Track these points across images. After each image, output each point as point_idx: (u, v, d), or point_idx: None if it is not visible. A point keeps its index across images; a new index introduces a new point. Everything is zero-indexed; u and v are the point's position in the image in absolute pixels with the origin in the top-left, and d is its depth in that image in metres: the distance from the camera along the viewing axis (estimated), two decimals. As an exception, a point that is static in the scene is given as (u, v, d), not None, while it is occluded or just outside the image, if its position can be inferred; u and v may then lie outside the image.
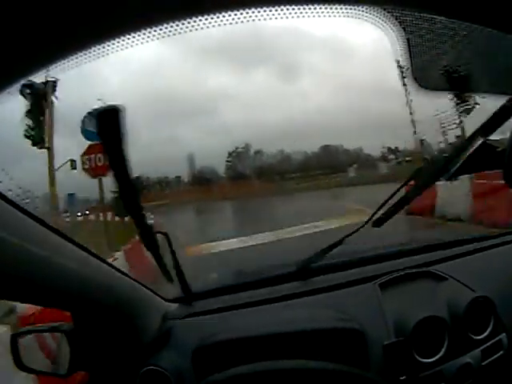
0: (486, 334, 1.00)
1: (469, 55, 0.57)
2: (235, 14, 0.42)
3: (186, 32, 0.43)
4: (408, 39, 0.48)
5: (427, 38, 0.50)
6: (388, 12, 0.44)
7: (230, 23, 0.44)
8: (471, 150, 0.80)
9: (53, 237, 0.72)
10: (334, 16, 0.44)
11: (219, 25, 0.44)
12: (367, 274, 1.18)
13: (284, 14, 0.44)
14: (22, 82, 0.44)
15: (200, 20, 0.42)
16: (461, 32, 0.50)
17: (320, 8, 0.44)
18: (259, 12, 0.43)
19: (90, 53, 0.43)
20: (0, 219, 0.59)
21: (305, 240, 6.95)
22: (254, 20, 0.44)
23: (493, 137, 0.80)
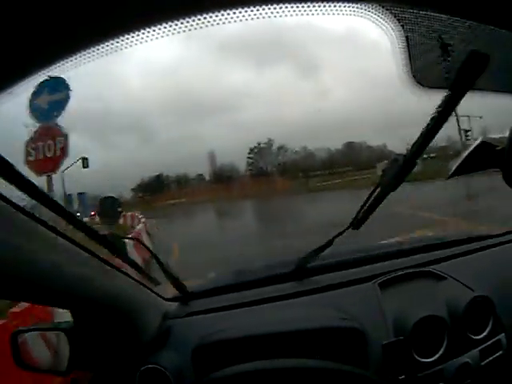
0: (485, 334, 1.01)
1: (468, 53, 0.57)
2: (234, 13, 0.42)
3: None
4: (407, 37, 0.49)
5: (426, 35, 0.50)
6: (387, 10, 0.45)
7: (229, 22, 0.44)
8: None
9: (53, 236, 0.72)
10: (333, 14, 0.44)
11: (218, 23, 0.44)
12: (367, 273, 1.19)
13: (283, 12, 0.44)
14: (24, 82, 0.44)
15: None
16: (460, 30, 0.50)
17: (319, 6, 0.44)
18: (258, 11, 0.43)
19: (96, 50, 0.43)
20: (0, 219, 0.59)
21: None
22: (252, 19, 0.44)
23: (492, 135, 0.79)
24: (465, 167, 0.94)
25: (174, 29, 0.42)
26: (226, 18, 0.43)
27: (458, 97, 0.65)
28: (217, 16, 0.42)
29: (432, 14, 0.47)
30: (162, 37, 0.43)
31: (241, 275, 1.31)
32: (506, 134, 0.75)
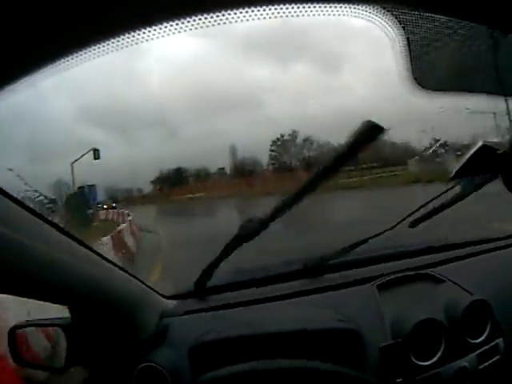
0: (482, 338, 1.00)
1: (469, 54, 0.57)
2: (235, 13, 0.42)
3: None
4: (408, 38, 0.48)
5: (427, 37, 0.50)
6: (388, 11, 0.45)
7: (230, 22, 0.44)
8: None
9: (52, 232, 0.73)
10: (334, 15, 0.44)
11: (218, 23, 0.44)
12: (365, 275, 1.18)
13: (284, 12, 0.44)
14: (25, 78, 0.44)
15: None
16: (461, 31, 0.50)
17: (320, 7, 0.44)
18: (259, 11, 0.43)
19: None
20: (0, 214, 0.59)
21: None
22: (253, 19, 0.44)
23: (493, 139, 0.79)
24: (465, 170, 0.93)
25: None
26: (227, 18, 0.43)
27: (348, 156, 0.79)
28: (218, 16, 0.42)
29: (433, 15, 0.47)
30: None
31: (239, 274, 1.31)
32: (507, 138, 0.74)
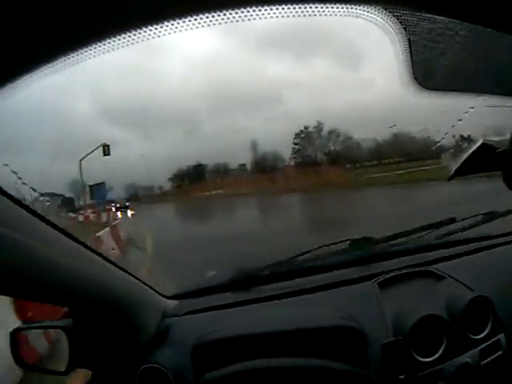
0: (484, 334, 1.01)
1: (470, 55, 0.57)
2: (230, 14, 0.42)
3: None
4: (409, 39, 0.48)
5: (428, 38, 0.50)
6: (389, 12, 0.45)
7: (231, 21, 0.44)
8: None
9: (53, 233, 0.72)
10: (335, 15, 0.44)
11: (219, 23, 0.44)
12: (366, 272, 1.19)
13: (285, 12, 0.44)
14: (26, 76, 0.44)
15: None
16: (462, 32, 0.50)
17: (321, 7, 0.44)
18: (260, 11, 0.43)
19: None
20: (1, 215, 0.59)
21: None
22: (255, 19, 0.44)
23: (493, 137, 0.80)
24: (465, 169, 0.94)
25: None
26: (229, 18, 0.43)
27: None
28: (220, 14, 0.42)
29: (434, 16, 0.47)
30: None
31: (240, 273, 1.31)
32: (507, 137, 0.75)
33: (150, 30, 0.41)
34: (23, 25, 0.37)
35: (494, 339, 1.02)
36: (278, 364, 0.96)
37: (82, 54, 0.43)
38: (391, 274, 1.15)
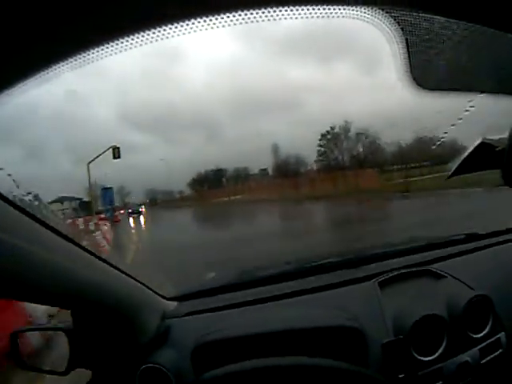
0: (484, 333, 1.01)
1: (468, 55, 0.57)
2: (234, 16, 0.42)
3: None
4: (406, 39, 0.48)
5: (426, 38, 0.50)
6: (386, 12, 0.44)
7: (229, 22, 0.44)
8: None
9: (53, 236, 0.73)
10: (333, 17, 0.44)
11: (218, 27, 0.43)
12: (367, 272, 1.19)
13: (283, 15, 0.44)
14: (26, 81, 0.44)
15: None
16: (460, 32, 0.50)
17: (319, 9, 0.44)
18: (258, 14, 0.43)
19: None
20: (0, 220, 0.59)
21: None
22: (253, 22, 0.44)
23: (492, 136, 0.80)
24: (464, 168, 0.94)
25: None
26: (231, 20, 0.43)
27: None
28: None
29: (431, 16, 0.47)
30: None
31: (241, 274, 1.31)
32: (506, 135, 0.75)
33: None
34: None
35: (494, 338, 1.02)
36: (277, 363, 0.96)
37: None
38: (391, 274, 1.15)
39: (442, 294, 1.07)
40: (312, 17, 0.43)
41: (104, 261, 0.91)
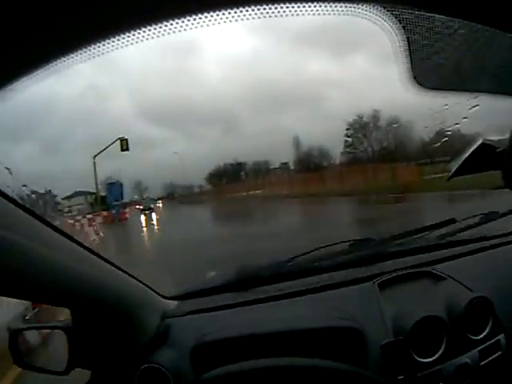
0: (484, 335, 1.01)
1: (469, 54, 0.57)
2: (229, 13, 0.42)
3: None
4: (408, 38, 0.49)
5: (427, 36, 0.50)
6: (388, 10, 0.45)
7: (244, 17, 0.44)
8: None
9: (52, 234, 0.73)
10: (334, 14, 0.44)
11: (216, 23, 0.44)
12: (366, 273, 1.19)
13: (284, 12, 0.44)
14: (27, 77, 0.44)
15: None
16: (461, 31, 0.50)
17: (320, 6, 0.44)
18: (259, 10, 0.43)
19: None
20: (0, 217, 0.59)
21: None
22: (248, 19, 0.44)
23: (492, 137, 0.80)
24: (465, 169, 0.94)
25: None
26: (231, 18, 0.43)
27: None
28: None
29: (433, 15, 0.47)
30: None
31: (240, 274, 1.31)
32: (506, 136, 0.75)
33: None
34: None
35: (493, 340, 1.02)
36: (277, 363, 0.96)
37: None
38: (391, 275, 1.15)
39: (441, 295, 1.07)
40: (313, 14, 0.43)
41: (105, 259, 0.91)
